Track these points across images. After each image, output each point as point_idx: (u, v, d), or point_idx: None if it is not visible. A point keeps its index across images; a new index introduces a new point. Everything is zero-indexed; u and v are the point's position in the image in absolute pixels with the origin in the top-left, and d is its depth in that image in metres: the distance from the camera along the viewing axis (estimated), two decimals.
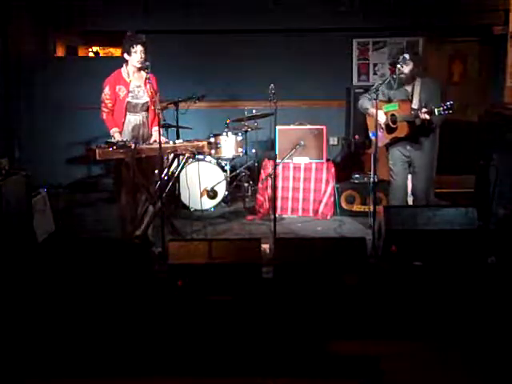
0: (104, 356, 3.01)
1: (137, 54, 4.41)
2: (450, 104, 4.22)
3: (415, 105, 4.57)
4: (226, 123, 6.19)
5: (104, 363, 2.95)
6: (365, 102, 4.81)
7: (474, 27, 7.05)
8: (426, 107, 4.42)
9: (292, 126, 5.92)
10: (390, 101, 4.72)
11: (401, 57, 4.50)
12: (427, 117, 4.36)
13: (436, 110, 4.28)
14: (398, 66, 4.49)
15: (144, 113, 4.62)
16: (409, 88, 4.65)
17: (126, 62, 4.50)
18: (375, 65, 7.19)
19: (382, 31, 7.08)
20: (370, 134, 4.86)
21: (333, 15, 6.84)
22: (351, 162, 6.49)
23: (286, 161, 5.64)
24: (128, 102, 4.50)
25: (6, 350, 3.08)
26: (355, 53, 7.19)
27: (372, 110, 4.65)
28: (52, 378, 2.86)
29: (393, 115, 4.65)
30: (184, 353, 3.05)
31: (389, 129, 4.73)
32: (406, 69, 4.54)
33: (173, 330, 3.27)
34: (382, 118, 4.68)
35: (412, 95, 4.62)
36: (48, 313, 3.40)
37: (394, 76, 4.64)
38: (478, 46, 7.22)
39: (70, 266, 3.67)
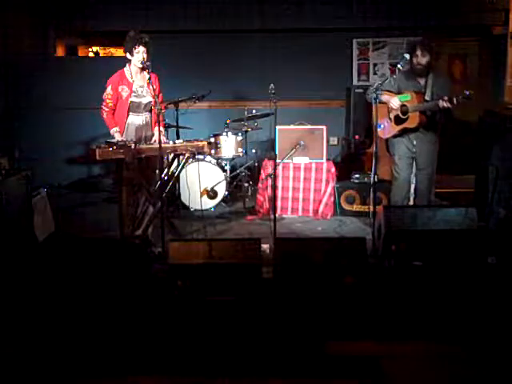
0: (104, 356, 3.01)
1: (139, 55, 4.40)
2: (470, 93, 4.25)
3: (428, 97, 4.60)
4: (226, 123, 6.19)
5: (104, 363, 2.95)
6: (377, 93, 4.80)
7: (474, 27, 7.05)
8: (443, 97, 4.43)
9: (292, 126, 5.91)
10: (400, 93, 4.73)
11: (418, 52, 4.56)
12: (449, 105, 4.36)
13: (455, 98, 4.31)
14: (399, 65, 4.49)
15: (147, 113, 4.62)
16: (422, 81, 4.68)
17: (129, 61, 4.50)
18: (375, 65, 7.20)
19: (381, 31, 7.09)
20: (376, 126, 4.84)
21: (333, 15, 6.85)
22: (351, 161, 6.50)
23: (285, 161, 5.64)
24: (131, 102, 4.50)
25: (6, 350, 3.08)
26: (355, 53, 7.20)
27: (385, 97, 4.68)
28: (52, 378, 2.86)
29: (404, 105, 4.66)
30: (184, 353, 3.05)
31: (398, 119, 4.73)
32: (424, 60, 4.57)
33: (173, 330, 3.27)
34: (396, 104, 4.68)
35: (425, 87, 4.64)
36: (48, 313, 3.40)
37: (394, 76, 4.65)
38: (477, 45, 7.23)
39: (70, 266, 3.67)
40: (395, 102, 4.68)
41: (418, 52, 4.57)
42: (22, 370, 2.91)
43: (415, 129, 4.68)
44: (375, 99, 4.48)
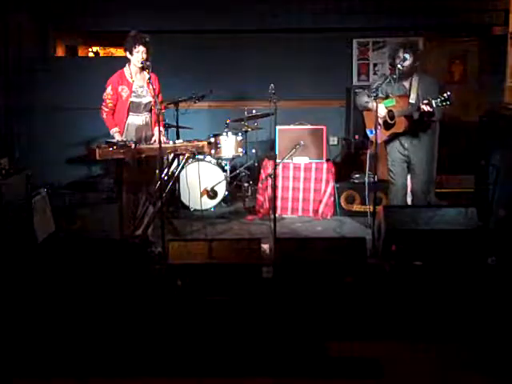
0: (104, 356, 3.01)
1: (139, 54, 4.40)
2: (448, 95, 4.22)
3: (413, 99, 4.56)
4: (226, 123, 6.19)
5: (103, 363, 2.95)
6: (364, 98, 4.80)
7: (474, 27, 7.05)
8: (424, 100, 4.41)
9: (292, 126, 5.92)
10: (387, 97, 4.71)
11: (400, 55, 4.52)
12: (429, 108, 4.33)
13: (433, 101, 4.28)
14: (399, 65, 4.49)
15: (147, 113, 4.62)
16: (406, 84, 4.65)
17: (129, 61, 4.50)
18: (375, 65, 7.19)
19: (381, 31, 7.08)
20: (368, 132, 4.84)
21: (333, 15, 6.85)
22: (351, 162, 6.49)
23: (285, 161, 5.64)
24: (131, 102, 4.50)
25: (5, 349, 3.08)
26: (355, 53, 7.20)
27: (372, 104, 4.64)
28: (52, 378, 2.86)
29: (390, 111, 4.64)
30: (184, 353, 3.05)
31: (386, 125, 4.72)
32: (406, 62, 4.52)
33: (172, 330, 3.27)
34: (382, 112, 4.66)
35: (410, 90, 4.61)
36: (48, 313, 3.40)
37: (395, 76, 4.64)
38: (477, 45, 7.22)
39: (70, 266, 3.67)
40: (382, 110, 4.66)
41: (401, 54, 4.52)
42: (22, 369, 2.91)
43: (404, 133, 4.66)
44: (375, 98, 4.47)
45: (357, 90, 6.41)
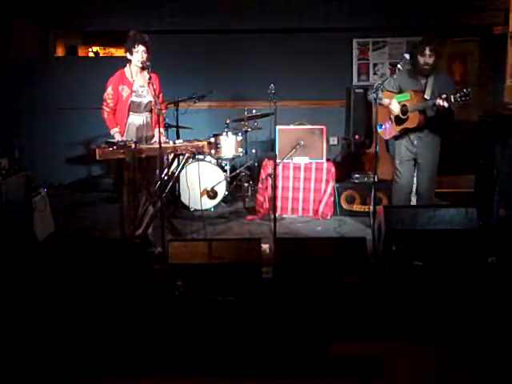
0: (104, 356, 3.01)
1: (138, 54, 4.41)
2: (467, 90, 4.20)
3: (428, 95, 4.55)
4: (226, 123, 6.19)
5: (104, 363, 2.95)
6: (377, 93, 4.76)
7: (474, 27, 7.05)
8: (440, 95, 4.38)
9: (292, 126, 5.92)
10: (400, 92, 4.71)
11: (427, 52, 4.52)
12: (446, 104, 4.32)
13: (452, 96, 4.26)
14: (399, 65, 4.48)
15: (148, 113, 4.62)
16: (423, 80, 4.64)
17: (130, 61, 4.50)
18: (375, 65, 7.19)
19: (381, 31, 7.09)
20: (378, 127, 4.81)
21: (333, 15, 6.85)
22: (351, 161, 6.49)
23: (285, 161, 5.64)
24: (132, 102, 4.50)
25: (5, 349, 3.08)
26: (355, 53, 7.20)
27: (385, 100, 4.63)
28: (52, 378, 2.86)
29: (404, 105, 4.64)
30: (184, 353, 3.05)
31: (398, 120, 4.71)
32: (430, 60, 4.52)
33: (172, 331, 3.27)
34: (395, 108, 4.65)
35: (425, 86, 4.61)
36: (48, 313, 3.40)
37: (394, 76, 4.64)
38: (478, 46, 7.22)
39: (70, 266, 3.67)
40: (395, 106, 4.66)
41: (427, 52, 4.51)
42: (22, 370, 2.91)
43: (415, 129, 4.66)
44: (375, 99, 4.48)
45: (357, 91, 6.43)
